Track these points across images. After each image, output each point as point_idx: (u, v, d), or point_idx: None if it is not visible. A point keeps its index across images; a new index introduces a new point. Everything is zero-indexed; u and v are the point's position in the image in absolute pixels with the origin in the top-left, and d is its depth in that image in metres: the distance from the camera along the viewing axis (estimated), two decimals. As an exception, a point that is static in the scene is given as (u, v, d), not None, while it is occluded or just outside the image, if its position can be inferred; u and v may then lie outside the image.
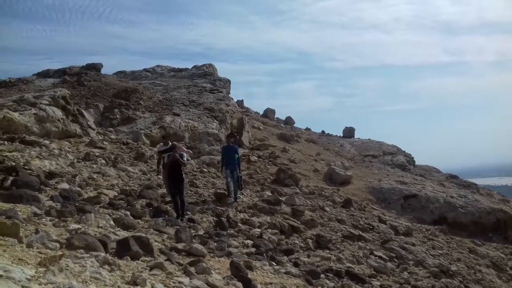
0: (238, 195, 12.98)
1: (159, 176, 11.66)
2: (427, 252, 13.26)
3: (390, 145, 33.47)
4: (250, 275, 5.87)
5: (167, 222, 8.69)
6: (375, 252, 11.52)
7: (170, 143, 10.58)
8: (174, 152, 10.03)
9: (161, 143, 11.12)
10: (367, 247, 12.03)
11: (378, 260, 10.79)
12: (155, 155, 14.16)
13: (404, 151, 32.90)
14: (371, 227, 14.48)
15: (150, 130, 18.57)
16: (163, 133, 18.73)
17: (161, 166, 10.66)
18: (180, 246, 6.66)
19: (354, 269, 9.18)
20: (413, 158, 32.52)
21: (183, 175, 10.42)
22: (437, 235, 16.50)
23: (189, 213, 10.24)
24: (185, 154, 10.65)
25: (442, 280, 10.63)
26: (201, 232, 8.87)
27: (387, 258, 11.31)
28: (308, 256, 9.66)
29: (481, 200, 20.76)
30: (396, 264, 11.14)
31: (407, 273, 10.42)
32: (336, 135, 38.10)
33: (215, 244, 7.94)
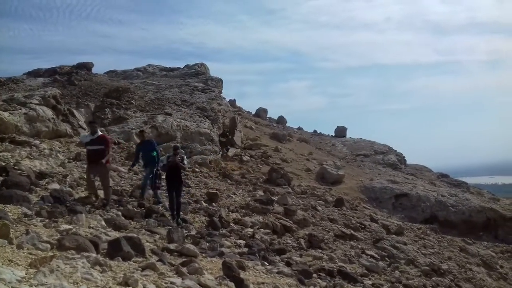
0: (160, 200, 10.95)
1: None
2: (419, 251, 13.35)
3: (381, 145, 33.67)
4: (242, 275, 5.87)
5: (159, 222, 8.65)
6: (367, 251, 11.58)
7: (96, 132, 9.20)
8: (174, 156, 9.89)
9: (87, 133, 10.13)
10: (359, 246, 12.08)
11: (370, 259, 10.84)
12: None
13: (395, 151, 33.11)
14: (362, 226, 14.56)
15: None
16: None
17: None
18: (172, 246, 6.64)
19: (346, 268, 9.22)
20: (404, 157, 32.75)
21: (182, 178, 10.40)
22: (428, 234, 16.62)
23: (181, 213, 10.09)
24: (185, 158, 10.51)
25: (433, 278, 10.71)
26: (193, 232, 8.85)
27: (379, 257, 11.38)
28: (301, 256, 9.69)
29: (472, 199, 20.95)
30: (388, 263, 11.20)
31: (398, 272, 10.48)
32: (328, 135, 38.25)
33: (207, 244, 7.93)
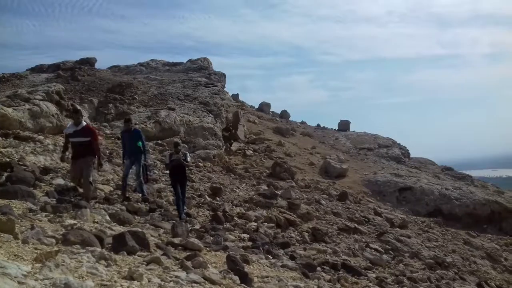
0: (145, 190, 10.26)
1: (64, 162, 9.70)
2: (423, 244, 13.36)
3: (385, 138, 33.57)
4: (246, 268, 5.88)
5: (163, 216, 8.68)
6: (371, 245, 11.59)
7: (81, 123, 8.32)
8: (176, 154, 9.84)
9: (71, 123, 8.77)
10: (363, 239, 12.10)
11: (374, 253, 10.86)
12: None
13: (399, 144, 33.01)
14: (366, 219, 14.57)
15: (145, 125, 18.48)
16: (158, 127, 18.68)
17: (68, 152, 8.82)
18: (176, 240, 6.66)
19: (350, 261, 9.23)
20: (408, 150, 32.65)
21: (186, 173, 10.31)
22: (432, 227, 16.62)
23: (186, 208, 10.08)
24: (188, 154, 10.31)
25: (438, 271, 10.72)
26: (197, 227, 8.88)
27: (383, 251, 11.39)
28: (304, 249, 9.70)
29: (476, 192, 20.90)
30: (392, 256, 11.21)
31: (402, 265, 10.49)
32: (332, 129, 38.16)
33: (212, 238, 7.95)
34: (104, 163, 10.56)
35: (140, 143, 10.07)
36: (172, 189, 10.42)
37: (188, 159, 10.24)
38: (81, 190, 8.43)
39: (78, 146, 8.24)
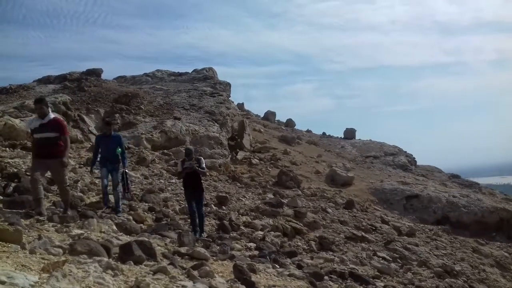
0: (122, 203, 9.15)
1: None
2: (431, 252, 13.24)
3: (391, 146, 33.46)
4: (253, 278, 5.86)
5: (169, 226, 8.68)
6: (379, 253, 11.51)
7: (47, 115, 6.98)
8: (192, 162, 9.11)
9: (34, 116, 7.65)
10: (370, 248, 12.01)
11: (382, 261, 10.77)
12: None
13: (405, 152, 32.88)
14: (374, 228, 14.47)
15: (151, 135, 18.56)
16: (164, 137, 18.74)
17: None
18: (183, 250, 6.65)
19: (357, 270, 9.17)
20: (414, 158, 32.51)
21: (202, 185, 9.57)
22: (440, 235, 16.47)
23: (204, 233, 9.22)
24: (202, 160, 9.45)
25: (446, 280, 10.61)
26: (203, 236, 8.87)
27: (391, 259, 11.30)
28: (312, 258, 9.65)
29: (484, 199, 20.72)
30: (400, 264, 11.12)
31: (411, 274, 10.40)
32: (337, 137, 38.10)
33: (218, 247, 7.94)
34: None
35: (119, 150, 9.01)
36: (187, 204, 9.55)
37: (203, 165, 9.39)
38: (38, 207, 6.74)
39: (45, 143, 6.87)
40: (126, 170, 9.25)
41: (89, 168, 10.26)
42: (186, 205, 9.67)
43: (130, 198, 10.04)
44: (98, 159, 9.24)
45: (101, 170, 9.05)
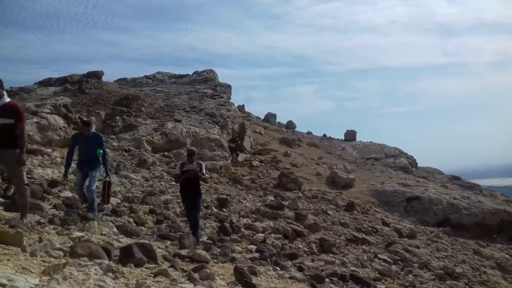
0: (105, 212, 8.64)
1: None
2: (432, 254, 13.23)
3: (392, 148, 33.44)
4: (254, 280, 5.85)
5: (170, 228, 8.68)
6: (379, 255, 11.50)
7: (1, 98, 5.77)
8: (190, 164, 8.57)
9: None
10: (371, 250, 12.01)
11: (383, 263, 10.76)
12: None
13: (406, 154, 32.87)
14: (374, 230, 14.46)
15: (152, 137, 18.57)
16: (166, 139, 18.72)
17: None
18: (183, 252, 6.65)
19: (358, 272, 9.16)
20: (415, 160, 32.49)
21: (200, 190, 9.00)
22: (441, 237, 16.46)
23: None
24: (204, 165, 8.84)
25: (447, 282, 10.60)
26: (204, 238, 8.86)
27: (392, 261, 11.30)
28: (312, 261, 9.64)
29: (485, 201, 20.70)
30: (401, 267, 11.12)
31: (412, 276, 10.39)
32: (338, 139, 38.09)
33: (219, 249, 7.94)
34: (113, 175, 8.83)
35: (100, 152, 7.97)
36: (184, 210, 9.14)
37: (204, 170, 8.76)
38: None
39: None
40: (109, 180, 8.42)
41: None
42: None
43: (107, 209, 8.83)
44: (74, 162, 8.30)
45: (77, 174, 8.16)
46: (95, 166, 8.04)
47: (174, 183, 13.66)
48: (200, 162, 8.99)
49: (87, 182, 7.94)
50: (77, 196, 8.48)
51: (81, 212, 7.89)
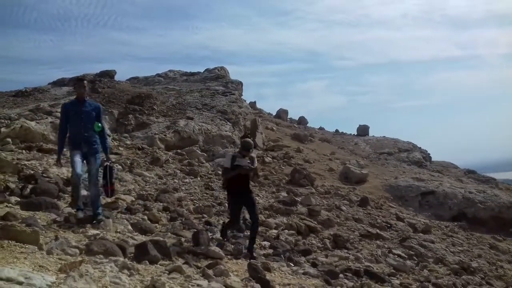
0: (101, 208, 6.84)
1: None
2: (447, 249, 13.10)
3: (405, 142, 33.15)
4: (268, 276, 5.86)
5: (184, 225, 8.72)
6: (394, 251, 11.42)
7: None
8: (244, 159, 7.18)
9: None
10: (386, 245, 11.93)
11: (397, 259, 10.69)
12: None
13: (420, 148, 32.56)
14: (388, 225, 14.37)
15: (164, 135, 18.67)
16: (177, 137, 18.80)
17: None
18: (197, 249, 6.69)
19: (373, 268, 9.12)
20: (429, 154, 32.18)
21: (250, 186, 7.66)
22: (456, 231, 16.30)
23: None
24: (255, 159, 7.45)
25: (463, 277, 10.49)
26: (218, 235, 8.89)
27: (406, 256, 11.21)
28: (326, 256, 9.62)
29: (500, 194, 20.44)
30: (416, 262, 11.03)
31: (427, 271, 10.31)
32: (350, 134, 37.87)
33: (232, 246, 7.95)
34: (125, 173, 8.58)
35: (99, 126, 6.54)
36: (229, 210, 7.86)
37: (256, 164, 7.48)
38: None
39: None
40: (110, 164, 6.85)
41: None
42: (228, 210, 8.12)
43: (111, 195, 7.28)
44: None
45: (72, 155, 6.45)
46: (95, 147, 6.60)
47: (187, 180, 13.72)
48: (252, 155, 7.46)
49: (84, 169, 6.54)
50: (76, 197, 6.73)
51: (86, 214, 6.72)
